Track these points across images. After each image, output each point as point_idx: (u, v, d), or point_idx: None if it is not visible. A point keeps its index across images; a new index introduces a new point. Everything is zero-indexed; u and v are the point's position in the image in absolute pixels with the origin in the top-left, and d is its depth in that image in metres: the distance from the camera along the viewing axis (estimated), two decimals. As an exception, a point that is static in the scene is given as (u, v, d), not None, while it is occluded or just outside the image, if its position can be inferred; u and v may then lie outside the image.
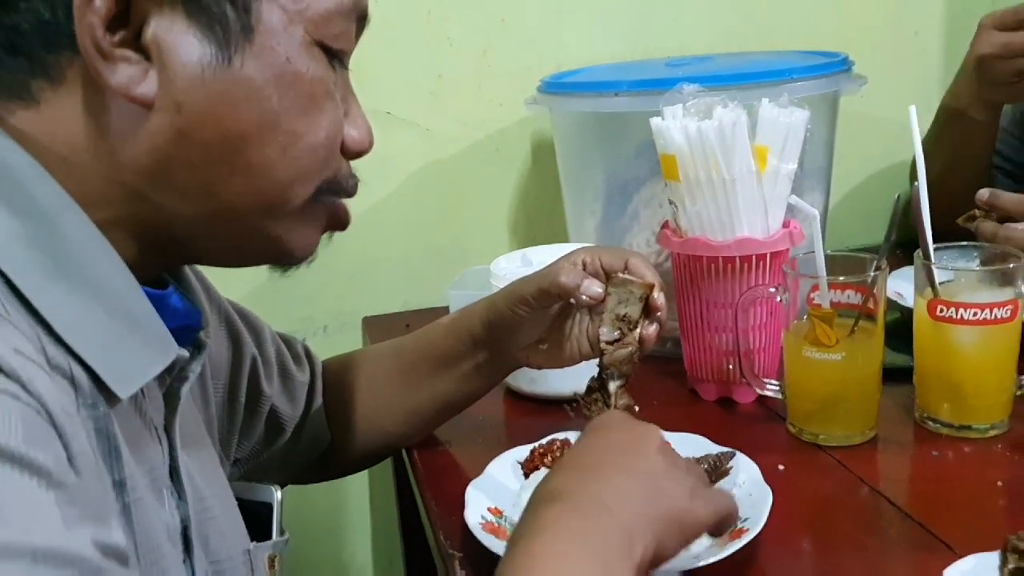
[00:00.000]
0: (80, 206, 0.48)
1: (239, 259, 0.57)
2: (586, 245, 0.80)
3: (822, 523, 0.70)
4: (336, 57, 0.53)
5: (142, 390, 0.52)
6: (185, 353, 0.54)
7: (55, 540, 0.36)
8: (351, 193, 0.57)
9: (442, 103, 1.22)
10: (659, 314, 0.71)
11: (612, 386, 0.69)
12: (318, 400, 0.81)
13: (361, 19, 0.54)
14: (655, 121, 0.84)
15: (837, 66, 1.00)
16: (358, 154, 0.56)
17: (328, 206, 0.57)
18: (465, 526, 0.67)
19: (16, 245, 0.45)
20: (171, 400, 0.55)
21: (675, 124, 0.82)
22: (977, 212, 0.95)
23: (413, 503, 0.88)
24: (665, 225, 0.91)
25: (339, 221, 0.58)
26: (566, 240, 1.14)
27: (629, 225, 1.06)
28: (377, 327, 1.22)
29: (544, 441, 0.76)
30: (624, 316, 0.70)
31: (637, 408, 0.71)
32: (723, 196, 0.82)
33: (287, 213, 0.53)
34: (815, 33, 1.30)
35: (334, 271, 1.23)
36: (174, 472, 0.54)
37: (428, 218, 1.26)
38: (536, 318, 0.76)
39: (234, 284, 0.80)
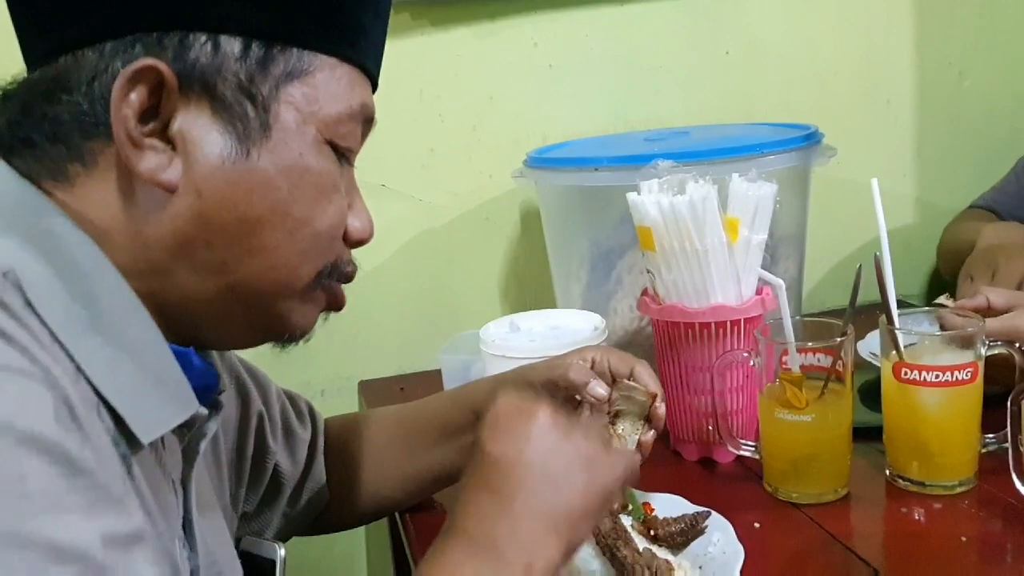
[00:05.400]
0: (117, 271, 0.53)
1: (245, 337, 0.61)
2: (597, 344, 0.82)
3: (795, 580, 0.72)
4: (343, 155, 0.58)
5: (162, 442, 0.55)
6: (204, 411, 0.57)
7: (68, 535, 0.40)
8: (349, 278, 0.62)
9: (434, 175, 1.28)
10: (657, 423, 0.74)
11: None
12: (319, 458, 0.84)
13: (367, 122, 0.60)
14: (631, 196, 0.89)
15: (806, 140, 1.06)
16: (359, 242, 0.61)
17: (330, 291, 0.61)
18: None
19: (58, 299, 0.49)
20: (189, 455, 0.59)
21: (650, 198, 0.87)
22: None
23: (408, 564, 0.91)
24: (644, 292, 0.95)
25: (336, 303, 0.63)
26: (554, 305, 1.19)
27: (613, 290, 1.11)
28: (373, 391, 1.25)
29: (529, 502, 0.79)
30: (627, 419, 0.73)
31: (629, 507, 0.74)
32: (696, 266, 0.86)
33: (292, 293, 0.58)
34: (790, 104, 1.36)
35: (331, 337, 1.27)
36: (187, 525, 0.58)
37: (421, 285, 1.31)
38: None
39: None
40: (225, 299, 0.56)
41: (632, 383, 0.74)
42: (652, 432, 0.74)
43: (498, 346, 0.96)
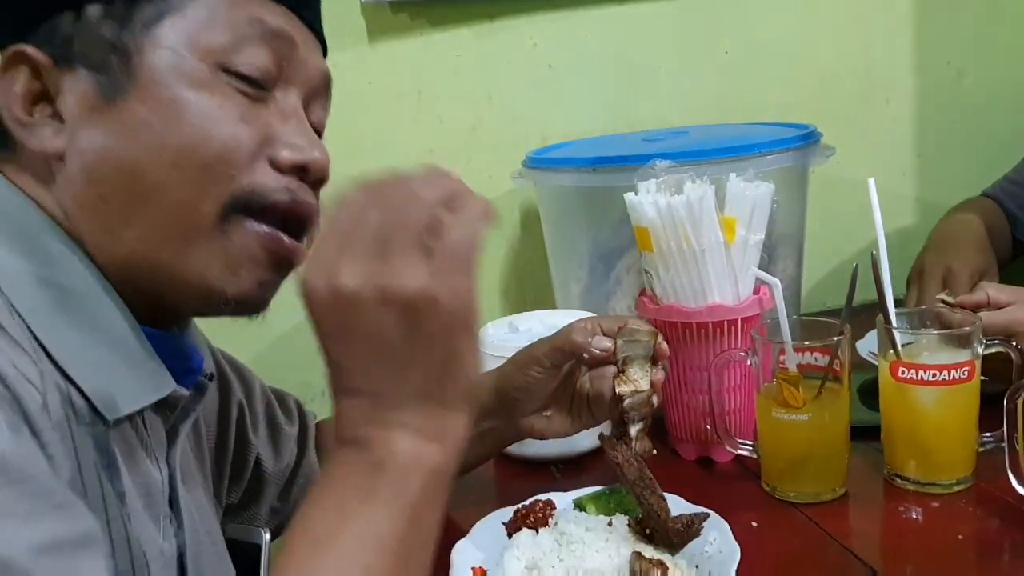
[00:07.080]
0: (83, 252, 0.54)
1: (190, 302, 0.57)
2: (586, 315, 0.85)
3: (791, 579, 0.73)
4: (255, 82, 0.56)
5: (143, 422, 0.56)
6: (184, 391, 0.58)
7: None
8: (281, 208, 0.56)
9: (433, 176, 1.28)
10: (663, 360, 0.77)
11: (633, 429, 0.73)
12: (310, 453, 0.84)
13: (275, 39, 0.57)
14: (629, 196, 0.89)
15: (803, 139, 1.06)
16: (294, 166, 0.57)
17: (255, 236, 0.56)
18: (451, 586, 0.70)
19: (26, 284, 0.51)
20: (173, 436, 0.60)
21: (647, 199, 0.87)
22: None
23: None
24: (642, 292, 0.95)
25: (280, 251, 0.57)
26: (553, 306, 1.19)
27: (612, 291, 1.11)
28: (373, 392, 1.25)
29: (527, 502, 0.80)
30: (635, 364, 0.75)
31: (655, 451, 0.75)
32: (694, 265, 0.86)
33: (199, 239, 0.54)
34: (789, 103, 1.36)
35: (331, 338, 1.27)
36: (173, 502, 0.58)
37: (422, 285, 1.31)
38: (544, 382, 0.80)
39: (234, 350, 0.85)
40: (142, 255, 0.55)
41: (633, 326, 0.76)
42: (662, 372, 0.76)
43: (497, 347, 0.96)
